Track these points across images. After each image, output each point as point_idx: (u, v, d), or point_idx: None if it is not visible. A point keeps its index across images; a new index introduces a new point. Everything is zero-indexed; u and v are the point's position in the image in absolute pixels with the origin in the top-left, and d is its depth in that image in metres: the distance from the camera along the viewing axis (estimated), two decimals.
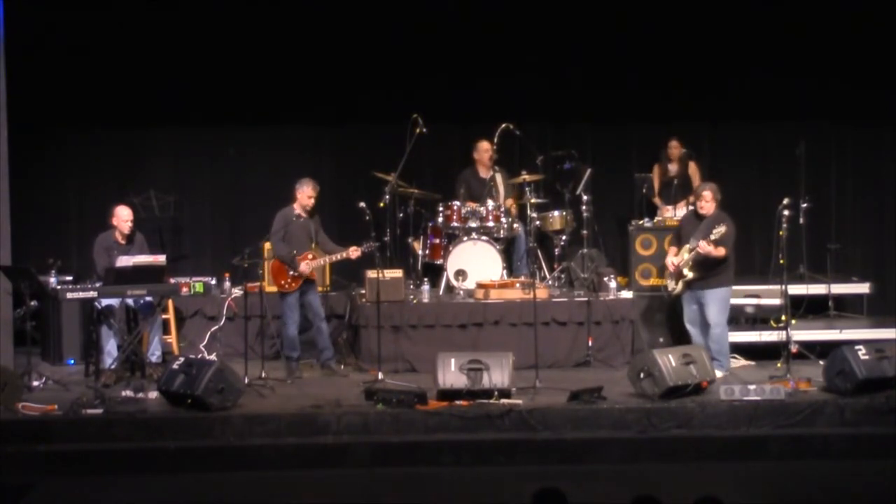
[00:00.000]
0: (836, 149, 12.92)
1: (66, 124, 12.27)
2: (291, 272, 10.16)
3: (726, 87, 12.50)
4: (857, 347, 9.39)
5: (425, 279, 11.31)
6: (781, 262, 10.13)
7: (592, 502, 7.73)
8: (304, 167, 11.90)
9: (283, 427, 8.86)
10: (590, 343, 10.72)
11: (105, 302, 10.10)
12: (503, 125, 11.66)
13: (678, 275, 10.10)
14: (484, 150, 11.73)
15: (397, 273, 10.88)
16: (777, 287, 10.50)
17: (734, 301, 10.53)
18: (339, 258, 10.40)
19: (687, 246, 10.05)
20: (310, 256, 10.23)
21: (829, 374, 9.44)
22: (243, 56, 12.17)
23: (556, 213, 11.79)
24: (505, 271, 11.25)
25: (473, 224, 11.32)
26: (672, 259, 10.20)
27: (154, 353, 10.44)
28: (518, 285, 10.94)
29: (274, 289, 10.47)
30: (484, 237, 11.27)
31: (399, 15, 12.15)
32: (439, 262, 11.45)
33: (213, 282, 11.55)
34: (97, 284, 10.00)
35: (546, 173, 11.93)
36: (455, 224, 11.38)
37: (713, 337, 9.99)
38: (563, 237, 11.82)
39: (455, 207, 11.41)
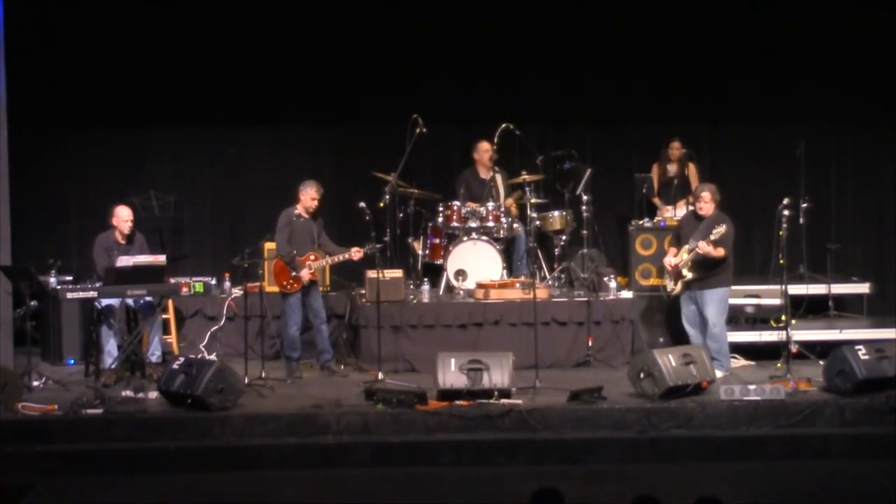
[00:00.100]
0: (836, 149, 12.92)
1: (66, 124, 12.26)
2: (293, 272, 10.16)
3: (726, 87, 12.50)
4: (857, 347, 9.39)
5: (425, 279, 11.32)
6: (781, 262, 10.13)
7: (592, 502, 7.73)
8: (304, 167, 11.92)
9: (283, 427, 8.86)
10: (590, 343, 10.72)
11: (105, 302, 10.10)
12: (503, 125, 11.66)
13: (677, 275, 10.10)
14: (484, 150, 11.73)
15: (397, 273, 10.88)
16: (777, 287, 10.50)
17: (734, 301, 10.54)
18: (341, 259, 10.40)
19: (686, 246, 10.05)
20: (312, 257, 10.23)
21: (829, 374, 9.44)
22: (243, 56, 12.17)
23: (556, 213, 11.79)
24: (505, 271, 11.25)
25: (473, 224, 11.32)
26: (671, 259, 10.21)
27: (154, 353, 10.43)
28: (518, 285, 10.94)
29: (275, 289, 10.47)
30: (484, 237, 11.28)
31: (399, 15, 12.16)
32: (439, 262, 11.45)
33: (213, 282, 11.55)
34: (97, 284, 9.99)
35: (546, 173, 11.93)
36: (455, 224, 11.38)
37: (712, 336, 9.99)
38: (563, 237, 11.82)
39: (455, 207, 11.41)
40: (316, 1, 12.14)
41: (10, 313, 10.60)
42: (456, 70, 12.29)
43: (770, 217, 10.38)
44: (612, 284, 11.04)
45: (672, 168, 12.14)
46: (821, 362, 9.88)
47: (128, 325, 10.43)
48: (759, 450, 8.80)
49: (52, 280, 10.83)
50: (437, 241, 11.55)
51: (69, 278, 11.03)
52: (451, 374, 9.21)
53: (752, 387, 9.17)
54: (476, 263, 11.20)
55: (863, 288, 11.79)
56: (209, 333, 11.11)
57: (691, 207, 10.57)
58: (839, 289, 11.68)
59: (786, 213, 10.07)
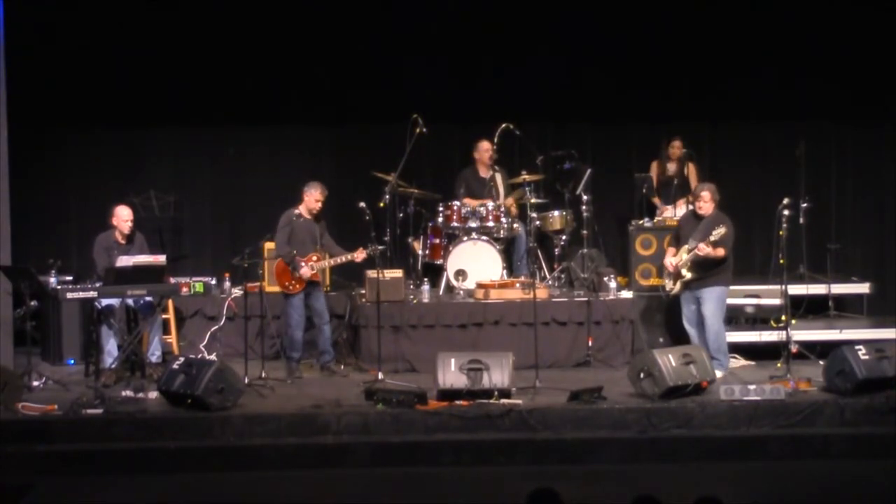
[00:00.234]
0: (836, 149, 12.92)
1: (66, 124, 12.26)
2: (294, 272, 10.15)
3: (726, 87, 12.50)
4: (857, 347, 9.39)
5: (425, 279, 11.32)
6: (781, 262, 10.13)
7: (592, 502, 7.73)
8: (304, 167, 11.93)
9: (283, 427, 8.86)
10: (590, 343, 10.72)
11: (105, 302, 10.10)
12: (503, 125, 11.66)
13: (676, 275, 10.10)
14: (484, 149, 11.73)
15: (397, 273, 10.88)
16: (777, 287, 10.50)
17: (734, 301, 10.54)
18: (344, 260, 10.39)
19: (686, 246, 10.05)
20: (314, 258, 10.23)
21: (829, 374, 9.44)
22: (243, 56, 12.17)
23: (556, 213, 11.79)
24: (505, 271, 11.25)
25: (473, 224, 11.32)
26: (670, 259, 10.21)
27: (154, 353, 10.43)
28: (518, 285, 10.94)
29: (275, 289, 10.48)
30: (484, 237, 11.28)
31: (399, 15, 12.15)
32: (439, 262, 11.45)
33: (213, 282, 11.55)
34: (97, 284, 9.99)
35: (546, 173, 11.93)
36: (455, 224, 11.38)
37: (710, 335, 9.99)
38: (563, 237, 11.82)
39: (455, 207, 11.41)
40: (316, 1, 12.14)
41: (10, 313, 10.60)
42: (456, 70, 12.29)
43: (770, 217, 10.38)
44: (612, 284, 11.04)
45: (671, 167, 12.14)
46: (821, 362, 9.88)
47: (128, 325, 10.43)
48: (759, 450, 8.80)
49: (52, 280, 10.83)
50: (437, 241, 11.55)
51: (69, 278, 11.03)
52: (451, 374, 9.21)
53: (752, 387, 9.17)
54: (476, 263, 11.20)
55: (863, 288, 11.78)
56: (209, 333, 11.11)
57: (691, 207, 10.57)
58: (839, 289, 11.68)
59: (786, 213, 10.06)
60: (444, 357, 9.30)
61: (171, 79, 12.12)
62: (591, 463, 8.68)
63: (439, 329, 10.70)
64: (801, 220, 11.20)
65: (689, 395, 9.20)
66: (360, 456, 8.71)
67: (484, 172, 11.77)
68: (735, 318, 10.97)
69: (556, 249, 11.82)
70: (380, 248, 10.30)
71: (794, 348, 10.12)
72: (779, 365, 10.09)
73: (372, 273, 10.45)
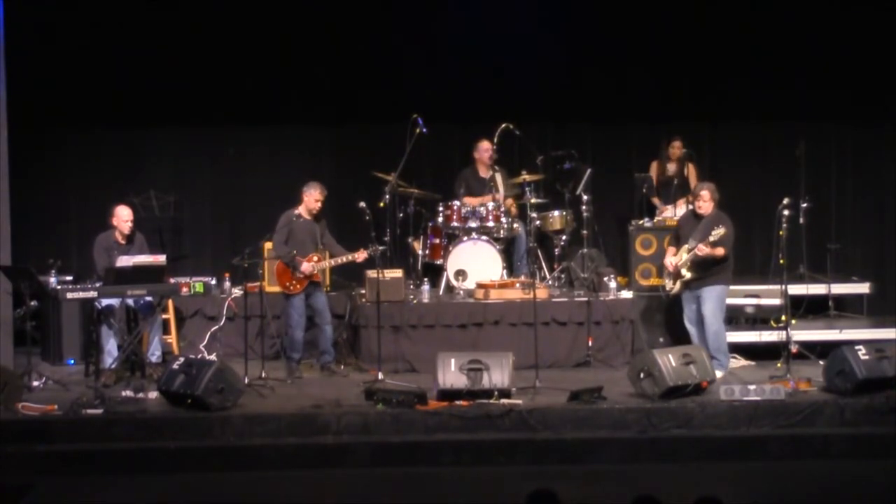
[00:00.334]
0: (836, 149, 12.92)
1: (66, 124, 12.26)
2: (294, 272, 10.15)
3: (726, 87, 12.50)
4: (857, 347, 9.39)
5: (425, 279, 11.32)
6: (781, 262, 10.13)
7: (592, 502, 7.73)
8: (304, 167, 11.93)
9: (283, 427, 8.86)
10: (590, 343, 10.72)
11: (105, 302, 10.10)
12: (503, 125, 11.66)
13: (676, 275, 10.10)
14: (484, 149, 11.73)
15: (397, 273, 10.88)
16: (777, 287, 10.50)
17: (734, 301, 10.53)
18: (345, 261, 10.39)
19: (686, 246, 10.05)
20: (315, 258, 10.23)
21: (829, 374, 9.44)
22: (243, 56, 12.17)
23: (556, 213, 11.79)
24: (505, 271, 11.25)
25: (473, 224, 11.32)
26: (670, 259, 10.21)
27: (154, 353, 10.43)
28: (518, 285, 10.94)
29: (275, 289, 10.48)
30: (484, 237, 11.28)
31: (399, 15, 12.15)
32: (439, 262, 11.45)
33: (213, 282, 11.54)
34: (97, 284, 9.99)
35: (546, 173, 11.93)
36: (455, 224, 11.38)
37: (709, 334, 9.99)
38: (563, 237, 11.82)
39: (455, 207, 11.41)
40: (316, 1, 12.14)
41: (10, 313, 10.60)
42: (456, 70, 12.28)
43: (770, 217, 10.38)
44: (612, 284, 11.04)
45: (671, 167, 12.15)
46: (821, 362, 9.88)
47: (128, 325, 10.43)
48: (759, 450, 8.80)
49: (52, 280, 10.83)
50: (437, 241, 11.55)
51: (69, 278, 11.03)
52: (451, 374, 9.21)
53: (752, 387, 9.17)
54: (476, 263, 11.20)
55: (863, 288, 11.78)
56: (209, 333, 11.10)
57: (690, 207, 10.56)
58: (839, 289, 11.68)
59: (786, 213, 10.06)
60: (444, 357, 9.30)
61: (171, 79, 12.11)
62: (591, 463, 8.68)
63: (439, 329, 10.70)
64: (801, 220, 11.19)
65: (689, 395, 9.20)
66: (360, 456, 8.71)
67: (484, 172, 11.77)
68: (735, 318, 10.97)
69: (556, 249, 11.82)
70: (380, 248, 10.30)
71: (794, 348, 10.12)
72: (779, 365, 10.09)
73: (372, 273, 10.45)
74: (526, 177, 11.59)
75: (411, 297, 11.03)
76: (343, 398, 9.24)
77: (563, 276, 11.79)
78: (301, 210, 10.31)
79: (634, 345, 10.79)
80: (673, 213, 11.69)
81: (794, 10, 12.15)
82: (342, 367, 10.61)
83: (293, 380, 10.16)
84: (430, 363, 9.60)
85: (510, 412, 8.91)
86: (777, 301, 10.72)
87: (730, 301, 10.30)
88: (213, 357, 10.21)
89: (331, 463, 8.66)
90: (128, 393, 9.26)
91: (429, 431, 8.87)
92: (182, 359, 9.37)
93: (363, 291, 10.91)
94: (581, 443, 8.83)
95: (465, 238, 11.27)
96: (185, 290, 11.17)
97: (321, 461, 8.67)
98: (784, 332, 10.21)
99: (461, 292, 11.18)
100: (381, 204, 11.16)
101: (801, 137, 11.71)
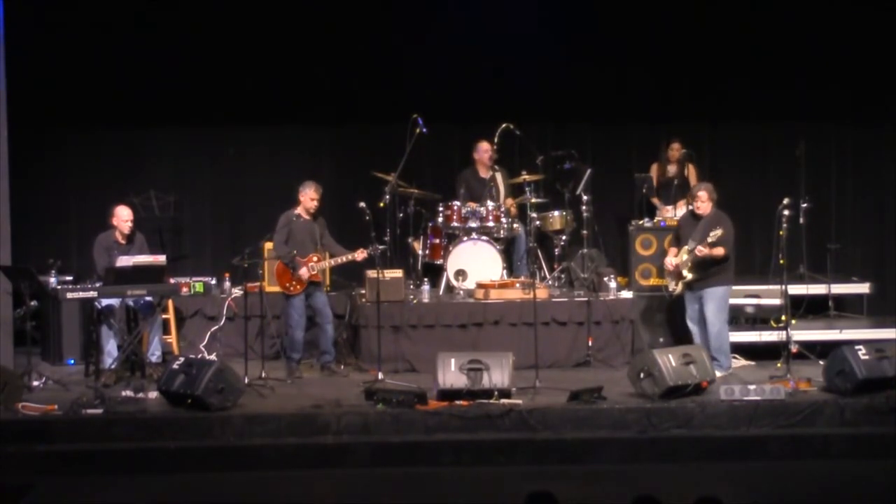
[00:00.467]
0: (836, 149, 12.92)
1: (66, 124, 12.27)
2: (293, 272, 10.15)
3: (726, 87, 12.51)
4: (857, 347, 9.39)
5: (425, 279, 11.32)
6: (781, 262, 10.13)
7: (592, 502, 7.73)
8: (304, 167, 11.92)
9: (283, 427, 8.85)
10: (590, 343, 10.72)
11: (105, 302, 10.10)
12: (503, 125, 11.65)
13: (678, 275, 10.10)
14: (484, 150, 11.74)
15: (397, 273, 10.88)
16: (777, 287, 10.50)
17: (734, 301, 10.52)
18: (345, 260, 10.39)
19: (686, 247, 10.05)
20: (314, 258, 10.23)
21: (829, 374, 9.44)
22: (243, 56, 12.17)
23: (556, 213, 11.79)
24: (505, 271, 11.25)
25: (473, 224, 11.32)
26: (670, 259, 10.21)
27: (154, 353, 10.44)
28: (518, 285, 10.94)
29: (275, 289, 10.48)
30: (484, 237, 11.28)
31: (399, 15, 12.15)
32: (439, 262, 11.45)
33: (213, 282, 11.55)
34: (97, 284, 9.99)
35: (546, 173, 11.93)
36: (455, 224, 11.38)
37: (712, 335, 10.00)
38: (563, 237, 11.82)
39: (455, 207, 11.41)
40: (316, 1, 12.14)
41: (10, 313, 10.60)
42: (456, 70, 12.28)
43: (770, 217, 10.38)
44: (612, 284, 11.04)
45: (672, 168, 12.15)
46: (821, 362, 9.88)
47: (128, 325, 10.43)
48: (759, 450, 8.80)
49: (52, 280, 10.84)
50: (437, 241, 11.55)
51: (69, 278, 11.04)
52: (451, 374, 9.21)
53: (752, 387, 9.17)
54: (476, 263, 11.20)
55: (863, 288, 11.79)
56: (209, 333, 11.11)
57: (690, 207, 10.57)
58: (839, 289, 11.68)
59: (786, 213, 10.06)
60: (444, 357, 9.30)
61: (171, 79, 12.12)
62: (591, 463, 8.68)
63: (439, 329, 10.70)
64: (801, 220, 11.19)
65: (689, 395, 9.20)
66: (360, 456, 8.70)
67: (484, 173, 11.77)
68: (735, 318, 10.96)
69: (556, 249, 11.82)
70: (380, 247, 10.30)
71: (794, 348, 10.13)
72: (779, 365, 10.09)
73: (372, 273, 10.45)
74: (526, 177, 11.59)
75: (411, 297, 11.03)
76: (343, 398, 9.24)
77: (563, 276, 11.79)
78: (300, 210, 10.31)
79: (634, 345, 10.79)
80: (673, 213, 11.69)
81: (794, 10, 12.15)
82: (342, 367, 10.61)
83: (293, 380, 10.16)
84: (430, 363, 9.60)
85: (510, 412, 8.91)
86: (777, 301, 10.72)
87: (730, 301, 10.29)
88: (213, 357, 10.22)
89: (331, 463, 8.66)
90: (128, 393, 9.26)
91: (429, 431, 8.86)
92: (182, 359, 9.37)
93: (363, 291, 10.91)
94: (581, 443, 8.83)
95: (465, 238, 11.27)
96: (185, 290, 11.17)
97: (321, 461, 8.67)
98: (784, 332, 10.21)
99: (461, 292, 11.18)
100: (381, 204, 11.16)
101: (801, 137, 11.72)
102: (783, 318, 10.47)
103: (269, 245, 10.52)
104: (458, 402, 9.05)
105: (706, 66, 12.40)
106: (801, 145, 11.61)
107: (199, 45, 12.06)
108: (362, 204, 10.40)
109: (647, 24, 12.25)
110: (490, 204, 11.41)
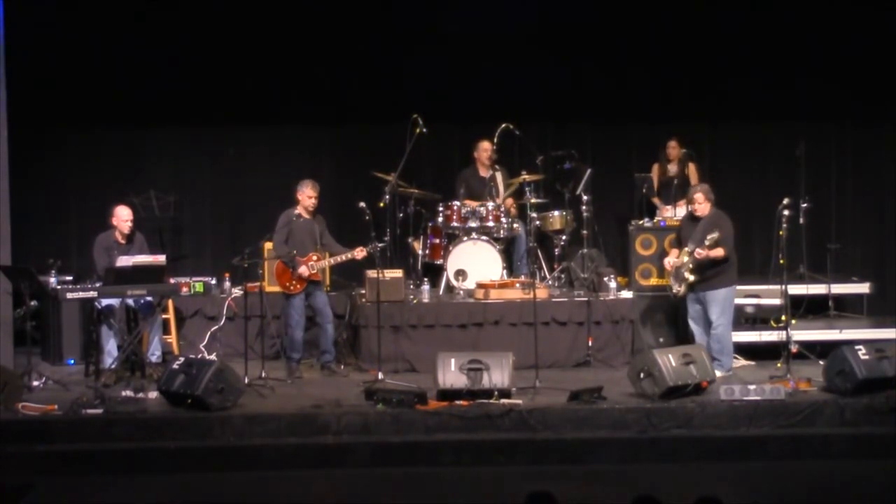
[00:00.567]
0: (836, 149, 12.93)
1: (66, 124, 12.27)
2: (293, 271, 10.15)
3: (726, 87, 12.51)
4: (857, 347, 9.39)
5: (425, 279, 11.32)
6: (781, 262, 10.13)
7: (592, 502, 7.72)
8: (303, 167, 11.91)
9: (283, 427, 8.85)
10: (590, 343, 10.72)
11: (105, 302, 10.10)
12: (503, 125, 11.66)
13: (679, 276, 10.09)
14: (484, 149, 11.74)
15: (397, 273, 10.88)
16: (777, 287, 10.50)
17: (735, 301, 10.51)
18: (344, 259, 10.39)
19: (686, 249, 10.06)
20: (314, 258, 10.23)
21: (829, 374, 9.44)
22: (243, 56, 12.18)
23: (556, 213, 11.79)
24: (505, 271, 11.25)
25: (473, 224, 11.32)
26: (672, 260, 10.20)
27: (154, 353, 10.44)
28: (518, 285, 10.94)
29: (275, 288, 10.48)
30: (484, 237, 11.28)
31: (399, 15, 12.15)
32: (439, 262, 11.45)
33: (213, 282, 11.55)
34: (97, 284, 9.99)
35: (546, 173, 11.93)
36: (455, 224, 11.38)
37: (715, 336, 10.00)
38: (563, 237, 11.82)
39: (455, 207, 11.41)
40: (316, 1, 12.14)
41: (10, 313, 10.60)
42: (456, 70, 12.28)
43: (770, 217, 10.38)
44: (612, 284, 11.04)
45: (672, 168, 12.15)
46: (821, 362, 9.88)
47: (128, 325, 10.43)
48: (759, 450, 8.80)
49: (52, 280, 10.83)
50: (437, 241, 11.55)
51: (69, 278, 11.03)
52: (451, 374, 9.21)
53: (752, 387, 9.17)
54: (476, 263, 11.20)
55: (863, 288, 11.78)
56: (209, 333, 11.11)
57: (690, 208, 10.56)
58: (839, 289, 11.68)
59: (786, 213, 10.06)
60: (444, 357, 9.30)
61: (171, 79, 12.12)
62: (591, 463, 8.68)
63: (439, 329, 10.70)
64: (801, 220, 11.19)
65: (689, 395, 9.20)
66: (360, 456, 8.70)
67: (484, 172, 11.77)
68: (735, 318, 10.94)
69: (556, 249, 11.82)
70: (380, 245, 10.30)
71: (794, 348, 10.13)
72: (779, 365, 10.09)
73: (372, 273, 10.45)
74: (526, 177, 11.59)
75: (411, 297, 11.03)
76: (343, 398, 9.24)
77: (563, 276, 11.79)
78: (299, 209, 10.31)
79: (634, 345, 10.79)
80: (673, 213, 11.69)
81: (794, 10, 12.15)
82: (342, 367, 10.61)
83: (293, 380, 10.16)
84: (430, 363, 9.60)
85: (510, 412, 8.91)
86: (777, 301, 10.73)
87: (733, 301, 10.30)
88: (213, 357, 10.22)
89: (331, 463, 8.66)
90: (128, 393, 9.27)
91: (429, 431, 8.86)
92: (182, 359, 9.37)
93: (363, 291, 10.91)
94: (581, 443, 8.83)
95: (465, 238, 11.27)
96: (185, 290, 11.17)
97: (321, 461, 8.67)
98: (784, 332, 10.21)
99: (461, 292, 11.18)
100: (381, 204, 11.16)
101: (801, 137, 11.71)
102: (783, 318, 10.47)
103: (268, 245, 10.52)
104: (458, 402, 9.05)
105: (706, 66, 12.40)
106: (801, 145, 11.60)
107: (199, 45, 12.06)
108: (362, 204, 10.40)
109: (647, 24, 12.26)
110: (490, 204, 11.41)
